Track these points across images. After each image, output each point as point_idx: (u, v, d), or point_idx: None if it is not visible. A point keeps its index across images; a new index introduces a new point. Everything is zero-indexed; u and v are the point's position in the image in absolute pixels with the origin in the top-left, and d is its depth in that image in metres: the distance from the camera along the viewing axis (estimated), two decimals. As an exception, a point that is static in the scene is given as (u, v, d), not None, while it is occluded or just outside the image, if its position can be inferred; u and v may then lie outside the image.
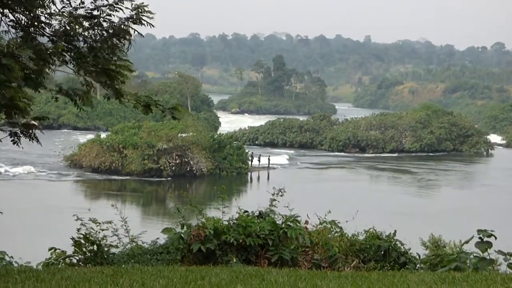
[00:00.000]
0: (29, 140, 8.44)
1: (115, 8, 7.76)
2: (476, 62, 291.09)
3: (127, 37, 8.02)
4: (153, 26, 7.98)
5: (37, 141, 8.47)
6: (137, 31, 8.05)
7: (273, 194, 11.54)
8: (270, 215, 11.13)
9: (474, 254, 9.71)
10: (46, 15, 7.85)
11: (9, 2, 7.53)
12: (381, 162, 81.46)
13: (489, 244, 9.31)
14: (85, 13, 7.79)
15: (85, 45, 8.10)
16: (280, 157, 79.15)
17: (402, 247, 11.53)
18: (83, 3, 7.79)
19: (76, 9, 7.80)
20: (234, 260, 10.13)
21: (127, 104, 8.65)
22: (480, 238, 9.35)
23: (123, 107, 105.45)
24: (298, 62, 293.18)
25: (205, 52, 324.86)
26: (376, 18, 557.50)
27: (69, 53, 8.10)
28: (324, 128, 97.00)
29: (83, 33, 7.99)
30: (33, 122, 8.38)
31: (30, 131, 8.33)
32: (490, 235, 9.33)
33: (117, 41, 8.07)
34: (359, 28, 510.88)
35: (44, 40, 8.06)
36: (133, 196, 55.34)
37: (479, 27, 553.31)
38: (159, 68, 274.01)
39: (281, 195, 11.51)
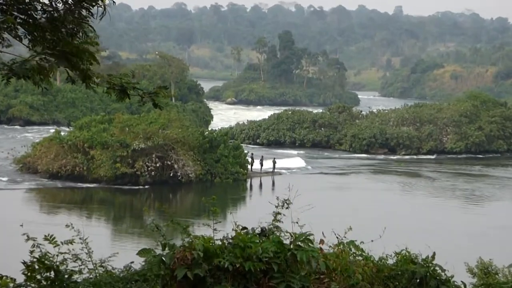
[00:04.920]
0: None
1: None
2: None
3: (99, 2, 7.93)
4: None
5: None
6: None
7: (277, 206, 11.46)
8: (275, 232, 11.06)
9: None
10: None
11: None
12: (416, 166, 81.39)
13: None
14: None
15: (45, 15, 8.00)
16: (294, 160, 79.09)
17: (443, 273, 11.47)
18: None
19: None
20: (230, 290, 10.07)
21: (97, 89, 8.55)
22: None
23: (89, 96, 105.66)
24: (311, 40, 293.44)
25: (194, 27, 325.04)
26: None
27: (23, 26, 8.02)
28: (344, 123, 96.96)
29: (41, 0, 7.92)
30: None
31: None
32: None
33: (85, 10, 7.98)
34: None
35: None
36: (101, 208, 55.28)
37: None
38: (135, 47, 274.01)
39: (287, 208, 11.42)
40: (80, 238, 11.40)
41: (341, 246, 11.85)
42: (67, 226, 11.71)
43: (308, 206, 12.64)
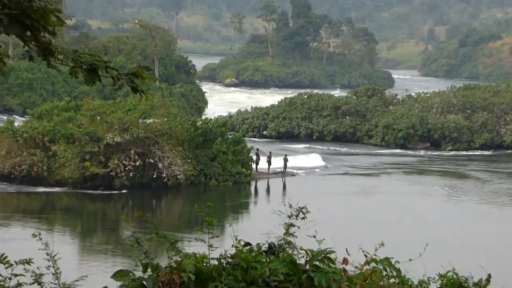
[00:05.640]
0: None
1: None
2: None
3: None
4: None
5: None
6: None
7: (289, 216, 11.47)
8: (287, 249, 11.08)
9: None
10: None
11: None
12: (466, 165, 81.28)
13: None
14: None
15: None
16: (310, 157, 79.01)
17: (499, 301, 11.49)
18: None
19: None
20: (229, 322, 10.09)
21: (61, 68, 8.52)
22: None
23: (51, 76, 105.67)
24: (332, 5, 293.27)
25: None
26: None
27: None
28: (374, 110, 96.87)
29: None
30: None
31: None
32: None
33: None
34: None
35: None
36: (66, 219, 55.27)
37: None
38: (108, 14, 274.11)
39: (303, 218, 11.43)
40: (47, 254, 11.42)
41: (371, 266, 11.87)
42: (34, 236, 11.74)
43: (326, 214, 12.70)
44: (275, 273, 10.54)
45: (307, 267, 10.72)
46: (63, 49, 8.45)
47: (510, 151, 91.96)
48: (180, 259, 10.66)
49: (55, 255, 11.43)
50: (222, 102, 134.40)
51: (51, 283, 11.45)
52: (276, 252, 11.09)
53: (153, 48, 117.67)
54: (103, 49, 8.86)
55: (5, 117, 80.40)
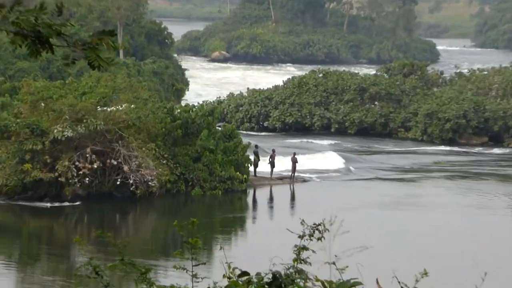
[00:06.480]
0: None
1: None
2: None
3: None
4: None
5: None
6: None
7: (301, 236, 11.50)
8: (297, 280, 11.12)
9: None
10: None
11: None
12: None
13: None
14: None
15: None
16: (327, 156, 79.04)
17: None
18: None
19: None
20: None
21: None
22: None
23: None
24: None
25: None
26: None
27: None
28: (413, 92, 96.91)
29: None
30: None
31: None
32: None
33: None
34: None
35: None
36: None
37: None
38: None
39: (320, 238, 11.46)
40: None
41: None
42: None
43: (348, 234, 12.74)
44: (281, 313, 10.58)
45: (325, 304, 10.75)
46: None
47: None
48: (153, 293, 10.70)
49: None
50: (208, 82, 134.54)
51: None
52: (282, 285, 11.12)
53: (115, 10, 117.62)
54: (56, 9, 8.75)
55: None
